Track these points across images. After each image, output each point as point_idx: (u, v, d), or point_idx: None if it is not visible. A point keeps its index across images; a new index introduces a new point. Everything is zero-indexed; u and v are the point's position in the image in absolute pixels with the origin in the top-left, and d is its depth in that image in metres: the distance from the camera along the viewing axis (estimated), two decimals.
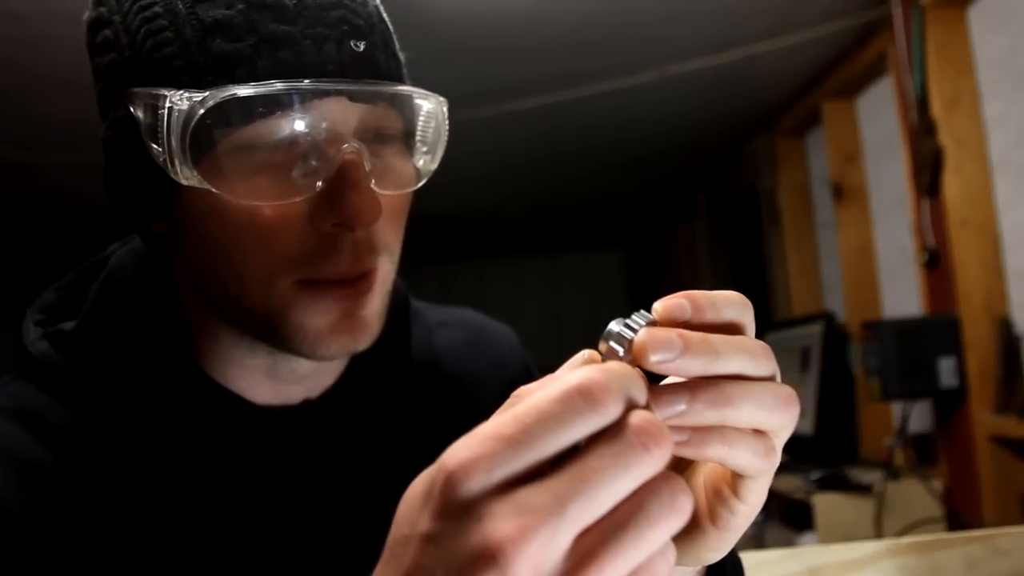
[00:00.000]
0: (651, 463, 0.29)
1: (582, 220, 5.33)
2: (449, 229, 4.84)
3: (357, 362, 0.63)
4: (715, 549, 0.39)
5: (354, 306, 0.52)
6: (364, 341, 0.53)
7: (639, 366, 0.33)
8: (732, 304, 0.36)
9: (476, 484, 0.28)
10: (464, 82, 2.63)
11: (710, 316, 0.35)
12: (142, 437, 0.54)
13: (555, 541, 0.28)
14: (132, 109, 0.49)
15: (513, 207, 4.70)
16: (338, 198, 0.48)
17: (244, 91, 0.46)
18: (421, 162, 0.56)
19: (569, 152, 3.62)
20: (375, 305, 0.54)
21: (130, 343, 0.56)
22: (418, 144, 0.55)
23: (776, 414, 0.34)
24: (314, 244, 0.50)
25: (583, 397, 0.29)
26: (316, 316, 0.51)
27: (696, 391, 0.33)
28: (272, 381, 0.58)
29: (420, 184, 0.56)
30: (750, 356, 0.34)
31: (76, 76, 2.49)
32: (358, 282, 0.52)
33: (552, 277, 6.45)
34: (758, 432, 0.35)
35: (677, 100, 3.02)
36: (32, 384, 0.56)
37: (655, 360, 0.32)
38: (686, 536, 0.39)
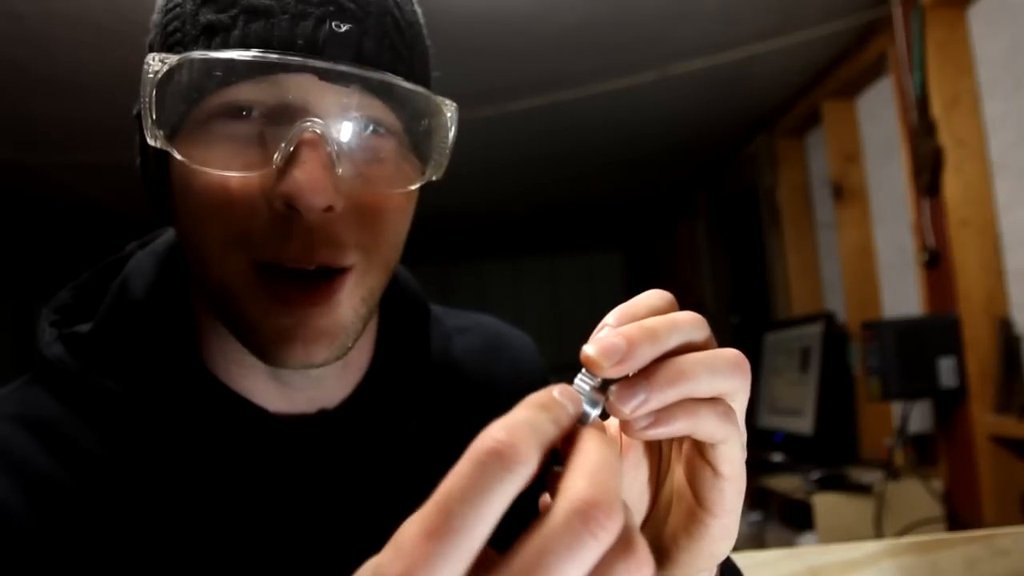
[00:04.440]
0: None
1: (582, 220, 5.33)
2: (449, 229, 4.84)
3: (376, 370, 0.61)
4: (721, 538, 0.40)
5: (312, 313, 0.49)
6: (322, 354, 0.50)
7: (600, 378, 0.34)
8: (657, 302, 0.38)
9: None
10: (464, 82, 2.63)
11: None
12: (155, 449, 0.53)
13: None
14: None
15: (513, 207, 4.70)
16: (287, 176, 0.47)
17: (199, 54, 0.47)
18: (423, 165, 0.53)
19: (569, 152, 3.62)
20: (340, 315, 0.50)
21: (144, 350, 0.55)
22: (422, 145, 0.53)
23: (732, 376, 0.36)
24: (266, 222, 0.48)
25: (497, 460, 0.28)
26: (272, 316, 0.49)
27: (652, 375, 0.34)
28: (275, 383, 0.56)
29: (412, 187, 0.53)
30: (689, 326, 0.36)
31: (76, 76, 2.49)
32: (320, 288, 0.49)
33: (552, 277, 6.45)
34: (715, 399, 0.36)
35: (677, 100, 3.03)
36: (46, 389, 0.55)
37: (609, 365, 0.33)
38: (689, 534, 0.40)
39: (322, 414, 0.58)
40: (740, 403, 0.37)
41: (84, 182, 3.54)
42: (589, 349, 0.34)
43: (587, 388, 0.34)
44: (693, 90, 2.91)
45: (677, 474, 0.41)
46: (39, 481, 0.50)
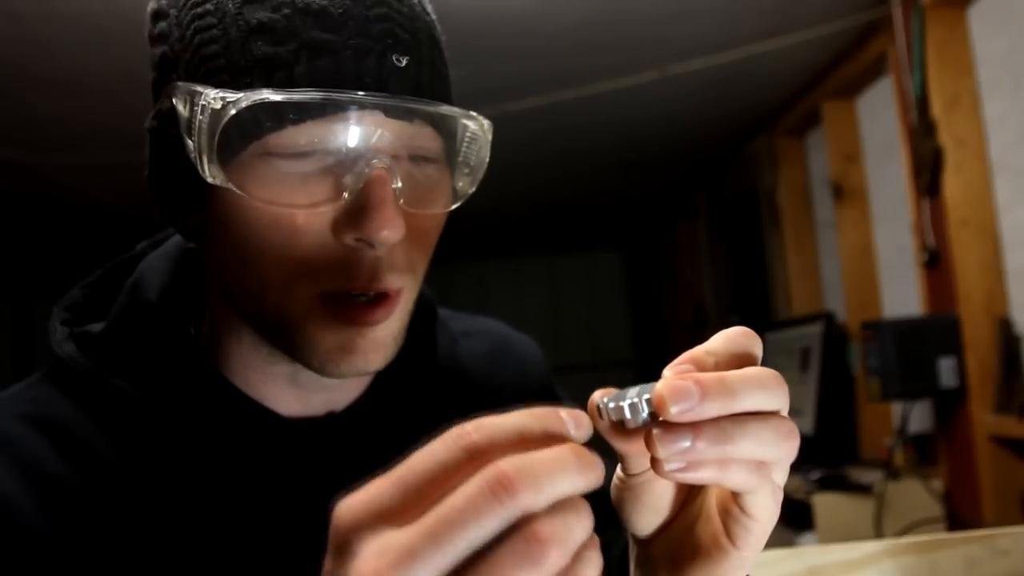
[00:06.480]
0: (512, 507, 0.29)
1: (582, 220, 5.33)
2: (449, 229, 4.83)
3: (383, 373, 0.61)
4: (738, 569, 0.40)
5: (371, 328, 0.51)
6: (376, 362, 0.52)
7: (658, 417, 0.34)
8: (739, 347, 0.38)
9: (353, 522, 0.30)
10: (464, 82, 2.62)
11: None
12: (165, 451, 0.53)
13: None
14: (175, 102, 0.49)
15: (513, 207, 4.70)
16: (362, 213, 0.48)
17: (276, 96, 0.46)
18: (460, 184, 0.55)
19: (569, 152, 3.62)
20: (392, 328, 0.53)
21: (157, 352, 0.55)
22: (460, 165, 0.55)
23: (775, 448, 0.35)
24: (335, 257, 0.49)
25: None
26: (330, 333, 0.51)
27: (700, 432, 0.34)
28: (294, 388, 0.57)
29: (455, 206, 0.55)
30: (765, 390, 0.35)
31: (76, 76, 2.49)
32: (377, 306, 0.51)
33: (552, 277, 6.44)
34: None
35: (677, 100, 3.02)
36: (57, 388, 0.55)
37: (675, 411, 0.33)
38: (709, 558, 0.40)
39: (330, 416, 0.59)
40: (782, 468, 0.37)
41: (84, 182, 3.54)
42: (661, 386, 0.34)
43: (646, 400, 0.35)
44: (693, 90, 2.91)
45: (711, 498, 0.41)
46: (48, 481, 0.50)
